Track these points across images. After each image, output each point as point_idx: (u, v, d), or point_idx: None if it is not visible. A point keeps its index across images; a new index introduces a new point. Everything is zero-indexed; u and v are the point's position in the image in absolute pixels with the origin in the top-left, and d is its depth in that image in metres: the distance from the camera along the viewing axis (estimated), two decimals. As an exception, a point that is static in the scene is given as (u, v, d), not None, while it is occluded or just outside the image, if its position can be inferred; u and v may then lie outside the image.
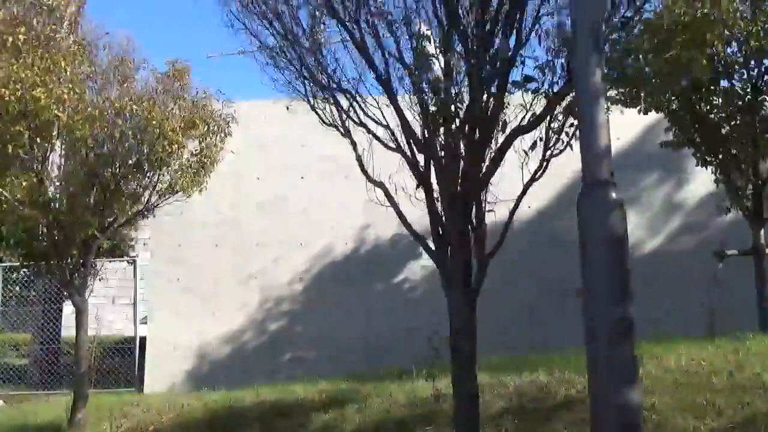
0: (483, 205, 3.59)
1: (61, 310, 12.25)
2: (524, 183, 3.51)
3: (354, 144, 4.15)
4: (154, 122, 6.27)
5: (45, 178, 6.41)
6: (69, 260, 6.89)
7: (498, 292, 6.81)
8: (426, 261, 9.99)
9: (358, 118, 4.03)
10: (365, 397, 6.04)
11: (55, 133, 6.24)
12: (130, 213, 7.09)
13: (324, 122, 4.25)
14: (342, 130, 4.20)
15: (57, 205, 6.50)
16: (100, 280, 7.93)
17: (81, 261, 7.01)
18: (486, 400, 5.14)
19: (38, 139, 6.15)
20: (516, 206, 3.55)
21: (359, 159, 4.08)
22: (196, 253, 10.07)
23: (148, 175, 6.96)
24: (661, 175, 9.94)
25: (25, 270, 12.57)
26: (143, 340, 10.25)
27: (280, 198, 10.11)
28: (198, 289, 9.95)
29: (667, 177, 9.89)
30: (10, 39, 5.99)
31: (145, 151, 6.58)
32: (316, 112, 4.25)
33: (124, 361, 11.31)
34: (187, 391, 9.43)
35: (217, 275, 9.98)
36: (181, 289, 9.97)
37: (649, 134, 9.70)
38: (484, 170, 3.47)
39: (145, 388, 9.66)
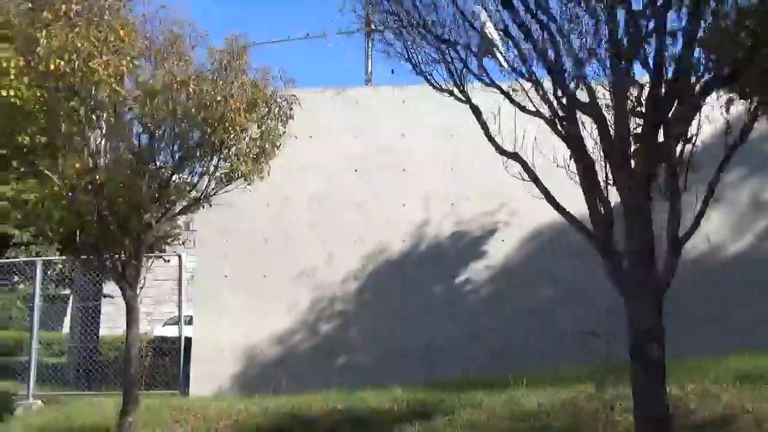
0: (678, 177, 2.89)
1: (99, 308, 11.81)
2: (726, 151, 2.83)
3: (477, 109, 3.49)
4: (218, 98, 5.70)
5: (98, 159, 5.86)
6: (122, 252, 6.34)
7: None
8: (490, 261, 9.32)
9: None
10: (451, 407, 5.38)
11: (112, 110, 5.70)
12: (186, 201, 6.53)
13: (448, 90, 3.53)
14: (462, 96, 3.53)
15: (111, 190, 5.94)
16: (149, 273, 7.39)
17: (134, 253, 6.46)
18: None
19: (94, 117, 5.62)
20: (716, 179, 2.87)
21: (484, 125, 3.42)
22: (244, 248, 9.51)
23: (207, 158, 6.40)
24: (747, 170, 9.13)
25: (61, 266, 12.15)
26: (186, 340, 9.72)
27: (333, 191, 9.50)
28: (246, 287, 9.38)
29: (755, 172, 9.07)
30: (63, 7, 5.47)
31: (207, 131, 6.01)
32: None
33: (163, 362, 10.79)
34: (235, 395, 8.86)
35: (267, 272, 9.40)
36: (228, 286, 9.41)
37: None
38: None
39: (190, 391, 9.10)
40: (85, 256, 6.58)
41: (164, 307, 30.44)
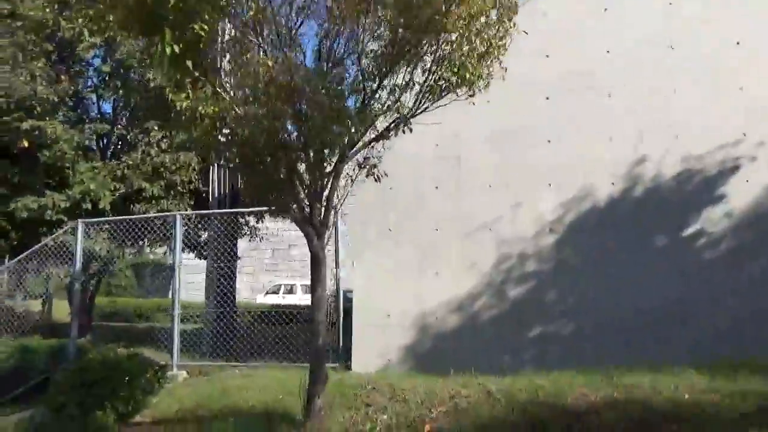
0: None
1: (234, 270, 10.72)
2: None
3: None
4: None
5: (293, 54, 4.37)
6: (314, 187, 4.91)
7: None
8: (731, 206, 7.29)
9: None
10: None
11: None
12: (388, 120, 4.98)
13: None
14: None
15: (306, 108, 4.46)
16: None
17: (322, 191, 5.02)
18: None
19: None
20: None
21: None
22: (411, 197, 7.96)
23: (413, 65, 4.79)
24: None
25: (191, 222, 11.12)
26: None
27: (519, 125, 7.73)
28: (415, 243, 7.85)
29: None
30: None
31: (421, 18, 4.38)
32: None
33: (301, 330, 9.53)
34: (410, 370, 7.43)
35: (440, 225, 7.82)
36: (394, 243, 7.91)
37: None
38: None
39: (353, 366, 7.74)
40: (262, 196, 5.19)
41: (263, 276, 30.09)
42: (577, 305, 7.37)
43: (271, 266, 30.10)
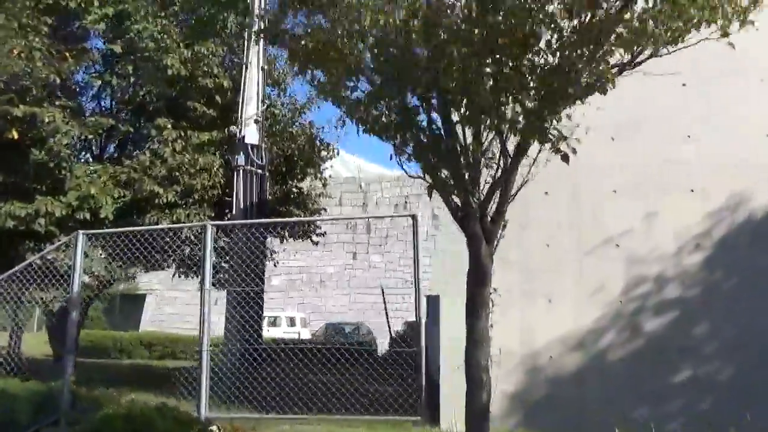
0: None
1: (262, 293, 8.88)
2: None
3: None
4: None
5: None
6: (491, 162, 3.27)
7: None
8: None
9: None
10: None
11: None
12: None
13: None
14: None
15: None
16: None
17: (509, 171, 3.39)
18: None
19: None
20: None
21: None
22: (513, 204, 6.34)
23: None
24: None
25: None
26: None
27: (648, 116, 6.25)
28: (520, 264, 6.23)
29: None
30: None
31: None
32: None
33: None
34: (518, 425, 5.74)
35: (551, 240, 6.23)
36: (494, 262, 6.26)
37: None
38: None
39: (441, 420, 5.99)
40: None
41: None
42: (736, 339, 5.81)
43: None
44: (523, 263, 6.22)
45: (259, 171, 9.09)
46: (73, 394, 7.24)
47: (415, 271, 6.04)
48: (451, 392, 6.13)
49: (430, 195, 3.61)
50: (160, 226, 7.44)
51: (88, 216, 8.13)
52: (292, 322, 22.91)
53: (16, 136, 7.18)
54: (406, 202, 24.83)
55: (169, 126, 9.05)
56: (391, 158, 3.43)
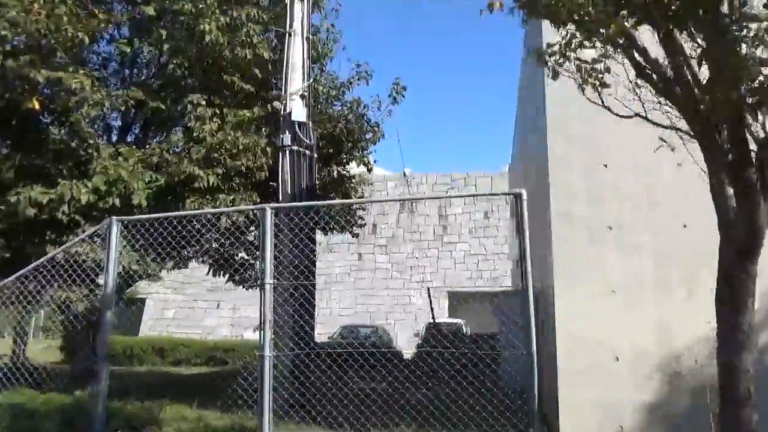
0: None
1: (313, 291, 7.80)
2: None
3: None
4: None
5: None
6: None
7: None
8: None
9: None
10: None
11: None
12: None
13: None
14: None
15: None
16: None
17: None
18: None
19: None
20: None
21: None
22: (642, 177, 5.37)
23: None
24: None
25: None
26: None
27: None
28: (652, 247, 5.22)
29: None
30: None
31: None
32: None
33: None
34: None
35: (690, 220, 5.21)
36: (618, 247, 5.26)
37: None
38: None
39: (563, 435, 4.96)
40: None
41: (245, 311, 26.55)
42: None
43: (255, 301, 26.73)
44: (655, 248, 5.22)
45: (307, 152, 8.05)
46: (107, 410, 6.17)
47: (522, 256, 4.94)
48: (571, 403, 5.12)
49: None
50: (211, 210, 6.36)
51: (117, 202, 7.05)
52: None
53: (37, 106, 6.09)
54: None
55: (204, 102, 7.99)
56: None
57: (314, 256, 7.87)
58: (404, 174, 22.75)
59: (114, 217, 5.78)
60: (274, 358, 5.51)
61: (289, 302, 7.28)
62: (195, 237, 5.86)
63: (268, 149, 7.89)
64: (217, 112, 8.14)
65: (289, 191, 7.88)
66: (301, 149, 8.03)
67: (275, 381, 6.79)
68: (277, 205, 6.04)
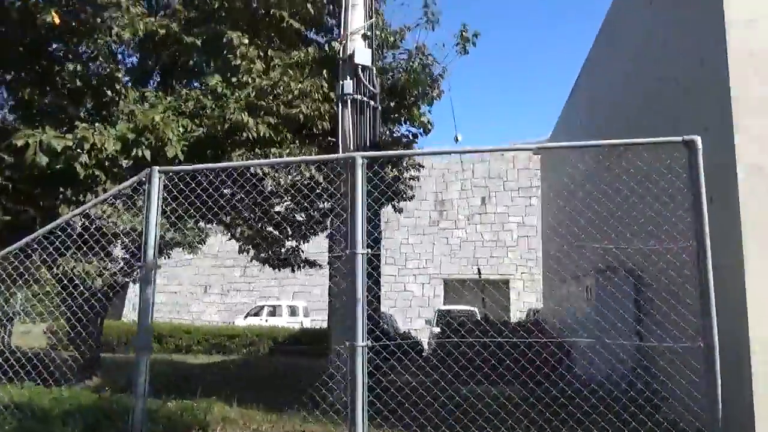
0: None
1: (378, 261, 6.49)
2: None
3: None
4: None
5: None
6: None
7: None
8: None
9: None
10: None
11: None
12: None
13: None
14: None
15: None
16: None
17: None
18: None
19: None
20: None
21: None
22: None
23: None
24: None
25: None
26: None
27: None
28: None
29: None
30: None
31: None
32: None
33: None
34: None
35: None
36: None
37: None
38: None
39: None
40: None
41: (234, 297, 25.12)
42: None
43: (243, 286, 25.49)
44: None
45: (372, 102, 6.75)
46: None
47: (699, 221, 3.70)
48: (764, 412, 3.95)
49: None
50: (286, 159, 5.03)
51: (147, 155, 5.68)
52: (293, 311, 21.02)
53: (56, 21, 4.70)
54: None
55: (246, 41, 6.62)
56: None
57: (380, 225, 6.62)
58: (456, 140, 21.22)
59: (156, 168, 4.41)
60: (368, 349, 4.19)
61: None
62: (263, 195, 4.55)
63: (331, 94, 6.56)
64: (261, 54, 6.79)
65: (350, 147, 6.59)
66: (365, 99, 6.75)
67: (343, 374, 5.54)
68: (370, 153, 4.73)
